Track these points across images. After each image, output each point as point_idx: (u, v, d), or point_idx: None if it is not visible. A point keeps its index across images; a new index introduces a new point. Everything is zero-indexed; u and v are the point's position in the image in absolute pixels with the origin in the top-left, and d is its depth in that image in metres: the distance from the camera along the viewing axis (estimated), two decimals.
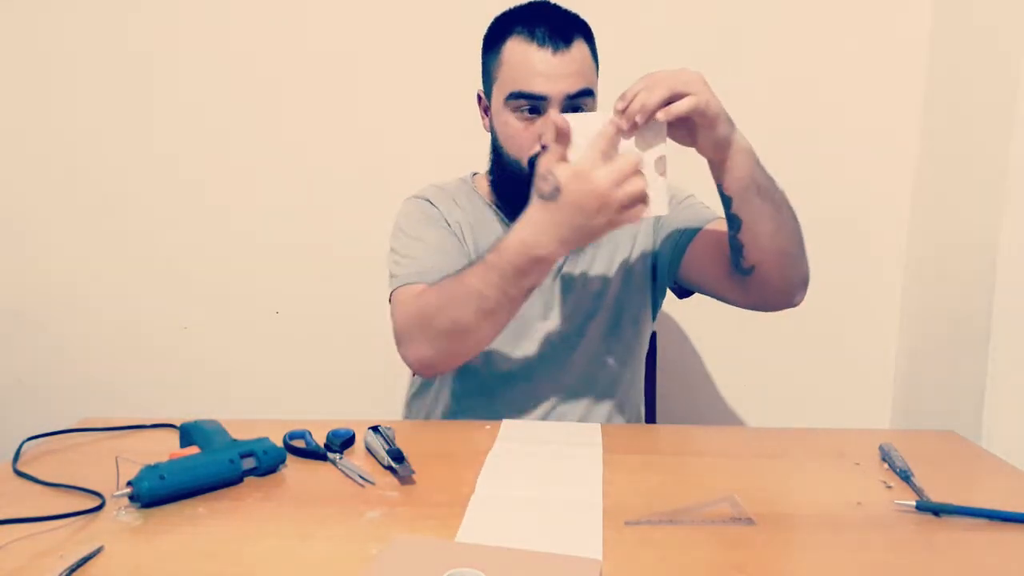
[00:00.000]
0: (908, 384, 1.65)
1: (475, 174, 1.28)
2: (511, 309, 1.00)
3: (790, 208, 1.06)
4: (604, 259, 1.22)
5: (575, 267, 1.21)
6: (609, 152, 0.92)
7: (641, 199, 0.92)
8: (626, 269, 1.22)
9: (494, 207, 1.23)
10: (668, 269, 1.22)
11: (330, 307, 1.71)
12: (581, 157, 0.92)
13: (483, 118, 1.19)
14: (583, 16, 1.14)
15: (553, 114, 1.03)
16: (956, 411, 1.42)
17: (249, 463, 0.88)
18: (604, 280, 1.21)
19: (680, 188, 1.26)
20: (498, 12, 1.15)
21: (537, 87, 1.07)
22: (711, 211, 1.22)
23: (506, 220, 1.21)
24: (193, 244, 1.72)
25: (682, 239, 1.18)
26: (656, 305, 1.29)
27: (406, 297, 1.09)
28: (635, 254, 1.23)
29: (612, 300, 1.21)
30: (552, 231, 0.93)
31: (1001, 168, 1.31)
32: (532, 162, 1.10)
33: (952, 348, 1.46)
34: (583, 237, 0.94)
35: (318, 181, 1.68)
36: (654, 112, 0.90)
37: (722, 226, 1.11)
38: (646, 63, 1.56)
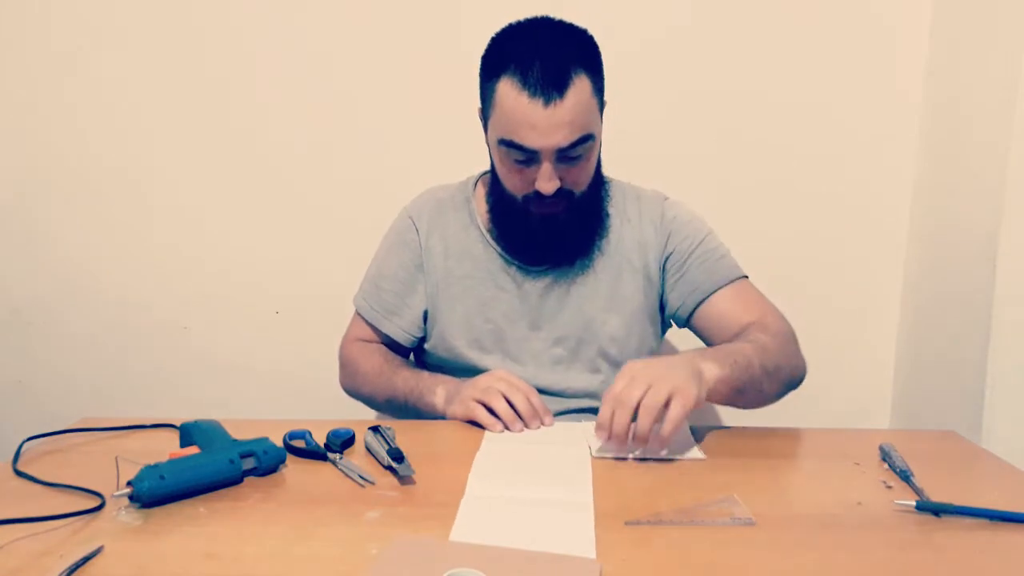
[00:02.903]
0: (908, 384, 1.65)
1: (484, 174, 1.25)
2: (414, 411, 1.16)
3: (768, 373, 1.07)
4: (603, 289, 1.19)
5: (566, 291, 1.18)
6: None
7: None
8: (626, 303, 1.19)
9: (480, 227, 1.20)
10: (673, 317, 1.23)
11: (330, 307, 1.70)
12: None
13: (485, 133, 1.14)
14: (582, 23, 1.09)
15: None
16: (956, 411, 1.42)
17: (249, 463, 0.88)
18: (602, 309, 1.18)
19: (700, 228, 1.22)
20: (499, 10, 1.13)
21: (529, 142, 1.03)
22: (727, 267, 1.19)
23: (489, 241, 1.19)
24: (194, 244, 1.72)
25: (691, 297, 1.19)
26: (659, 336, 1.27)
27: (356, 333, 1.28)
28: (638, 290, 1.20)
29: (608, 330, 1.19)
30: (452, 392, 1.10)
31: (1001, 168, 1.31)
32: (526, 198, 1.10)
33: (952, 348, 1.46)
34: (457, 403, 1.08)
35: (319, 181, 1.68)
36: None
37: (736, 290, 1.17)
38: (647, 64, 1.58)
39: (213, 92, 1.65)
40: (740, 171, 1.63)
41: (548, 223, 1.11)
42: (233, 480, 0.86)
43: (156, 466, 0.81)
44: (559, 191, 1.07)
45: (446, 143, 1.59)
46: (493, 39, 1.09)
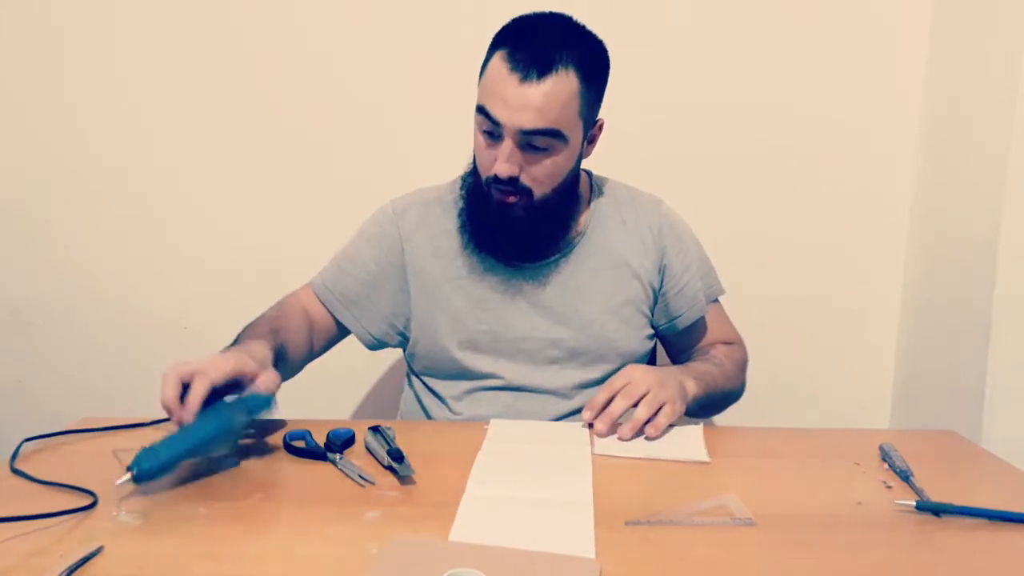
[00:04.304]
0: (908, 384, 1.65)
1: None
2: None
3: (723, 396, 1.19)
4: (600, 291, 1.18)
5: (562, 293, 1.17)
6: None
7: None
8: (624, 306, 1.19)
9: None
10: (667, 326, 1.25)
11: None
12: None
13: None
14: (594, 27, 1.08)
15: None
16: (956, 411, 1.42)
17: (240, 414, 0.89)
18: (600, 311, 1.17)
19: (693, 241, 1.25)
20: (498, 11, 1.13)
21: (495, 111, 1.03)
22: (716, 284, 1.28)
23: (465, 239, 1.17)
24: (194, 244, 1.71)
25: (692, 312, 1.24)
26: (653, 338, 1.26)
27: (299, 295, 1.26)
28: (635, 293, 1.19)
29: (607, 332, 1.17)
30: None
31: (1001, 169, 1.31)
32: (487, 181, 1.09)
33: (952, 348, 1.46)
34: None
35: (319, 181, 1.68)
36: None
37: (715, 308, 1.27)
38: (645, 64, 1.58)
39: (213, 92, 1.65)
40: (740, 171, 1.63)
41: (504, 212, 1.09)
42: (231, 433, 0.87)
43: (151, 446, 0.82)
44: (515, 183, 1.06)
45: (447, 143, 1.58)
46: (512, 20, 1.09)
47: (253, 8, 1.62)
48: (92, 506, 0.79)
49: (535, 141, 1.04)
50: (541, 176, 1.08)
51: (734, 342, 1.29)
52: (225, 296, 1.73)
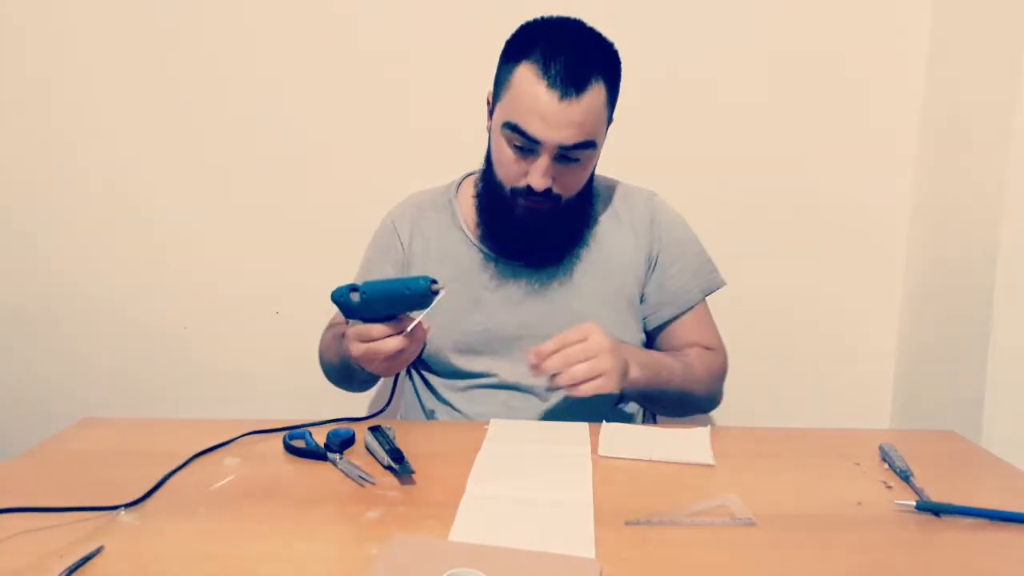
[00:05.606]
0: (908, 384, 1.65)
1: (468, 175, 1.26)
2: (348, 375, 1.19)
3: (679, 398, 1.14)
4: (592, 287, 1.18)
5: (555, 290, 1.17)
6: None
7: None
8: (616, 300, 1.18)
9: (463, 227, 1.20)
10: (645, 321, 1.23)
11: (330, 307, 1.70)
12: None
13: (488, 119, 1.14)
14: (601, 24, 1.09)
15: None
16: (956, 411, 1.42)
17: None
18: (592, 307, 1.17)
19: (685, 235, 1.23)
20: (510, 11, 1.13)
21: (534, 130, 1.02)
22: (704, 282, 1.22)
23: (473, 241, 1.19)
24: (193, 244, 1.72)
25: (663, 312, 1.21)
26: (643, 331, 1.25)
27: (328, 323, 1.30)
28: (625, 287, 1.19)
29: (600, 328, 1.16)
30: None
31: (1001, 169, 1.31)
32: (514, 191, 1.09)
33: (952, 348, 1.46)
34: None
35: (319, 181, 1.68)
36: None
37: (700, 308, 1.22)
38: (644, 65, 1.58)
39: (212, 93, 1.66)
40: (741, 171, 1.63)
41: (531, 220, 1.10)
42: (423, 298, 0.91)
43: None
44: (547, 191, 1.07)
45: (444, 144, 1.59)
46: (523, 26, 1.09)
47: (251, 11, 1.62)
48: (104, 509, 0.79)
49: (572, 154, 1.05)
50: (573, 183, 1.10)
51: (713, 348, 1.23)
52: (225, 297, 1.74)
